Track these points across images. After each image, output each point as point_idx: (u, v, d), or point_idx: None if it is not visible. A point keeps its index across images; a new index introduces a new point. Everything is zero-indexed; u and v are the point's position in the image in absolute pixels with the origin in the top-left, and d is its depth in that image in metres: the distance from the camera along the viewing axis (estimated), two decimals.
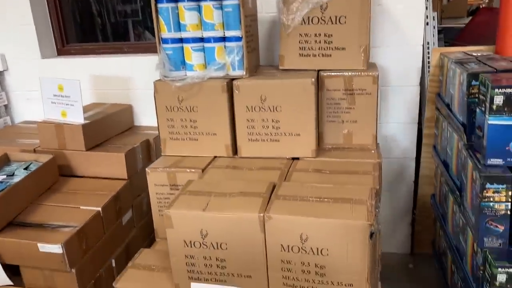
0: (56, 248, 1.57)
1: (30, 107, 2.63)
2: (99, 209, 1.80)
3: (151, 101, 2.42)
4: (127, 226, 2.04)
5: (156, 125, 2.43)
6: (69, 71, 2.48)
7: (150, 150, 2.26)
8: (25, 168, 1.94)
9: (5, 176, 1.85)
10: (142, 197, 2.19)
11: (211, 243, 1.38)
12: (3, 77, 2.61)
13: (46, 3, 2.53)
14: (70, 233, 1.63)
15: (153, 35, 2.85)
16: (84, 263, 1.70)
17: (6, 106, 2.63)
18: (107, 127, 2.23)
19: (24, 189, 1.81)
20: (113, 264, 1.90)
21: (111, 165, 2.05)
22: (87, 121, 2.05)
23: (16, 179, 1.84)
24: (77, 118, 2.05)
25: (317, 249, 1.27)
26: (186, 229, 1.39)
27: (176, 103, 1.83)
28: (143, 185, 2.22)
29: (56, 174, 2.04)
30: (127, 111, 2.46)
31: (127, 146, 2.12)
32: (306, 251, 1.28)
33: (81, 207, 1.82)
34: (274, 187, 1.48)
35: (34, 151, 2.10)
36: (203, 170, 1.74)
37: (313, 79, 1.69)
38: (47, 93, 2.09)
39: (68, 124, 2.04)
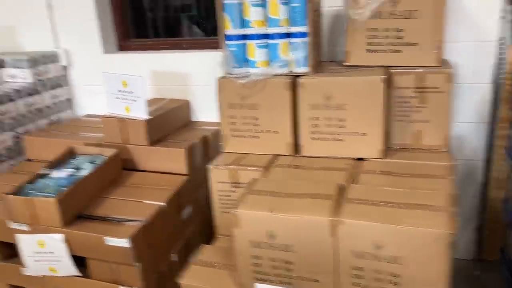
0: (123, 242, 1.61)
1: (92, 101, 2.71)
2: (163, 203, 1.82)
3: (208, 97, 2.45)
4: (187, 221, 2.06)
5: (213, 120, 2.48)
6: (129, 67, 2.53)
7: (208, 146, 2.27)
8: (91, 162, 1.99)
9: (72, 170, 1.91)
10: (200, 193, 2.20)
11: (278, 245, 1.35)
12: (68, 72, 2.70)
13: None
14: (137, 227, 1.66)
15: (201, 29, 2.88)
16: (148, 257, 1.73)
17: (69, 100, 2.72)
18: (167, 122, 2.26)
19: (91, 183, 1.86)
20: (175, 259, 1.92)
21: (171, 160, 2.07)
22: (150, 117, 2.08)
23: (83, 173, 1.90)
24: (140, 113, 2.08)
25: (393, 257, 1.22)
26: (253, 230, 1.37)
27: (238, 100, 1.81)
28: (201, 181, 2.24)
29: (119, 168, 2.09)
30: (185, 106, 2.48)
31: (187, 141, 2.13)
32: (380, 259, 1.23)
33: (144, 201, 1.85)
34: (342, 189, 1.44)
35: (98, 145, 2.16)
36: (265, 169, 1.71)
37: (383, 77, 1.61)
38: (111, 89, 2.14)
39: (131, 119, 2.08)
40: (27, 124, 2.41)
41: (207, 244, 1.79)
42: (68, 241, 1.69)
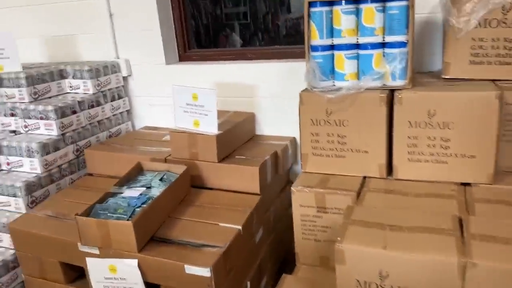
0: (205, 272, 1.47)
1: (151, 112, 2.62)
2: (240, 227, 1.68)
3: (274, 109, 2.32)
4: (259, 245, 1.91)
5: (279, 134, 2.34)
6: (190, 78, 2.42)
7: (278, 163, 2.12)
8: (161, 180, 1.88)
9: (143, 188, 1.80)
10: (270, 212, 2.07)
11: (390, 286, 1.19)
12: (127, 82, 2.62)
13: (170, 8, 2.49)
14: (217, 255, 1.52)
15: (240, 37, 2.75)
16: (226, 286, 1.59)
17: (128, 112, 2.64)
18: (235, 137, 2.13)
19: (164, 203, 1.75)
20: (248, 286, 1.78)
21: (243, 178, 1.93)
22: (220, 131, 1.96)
23: (154, 192, 1.79)
24: (211, 128, 1.96)
25: None
26: (361, 268, 1.21)
27: (323, 116, 1.66)
28: (272, 200, 2.10)
29: (188, 186, 1.97)
30: (250, 119, 2.34)
31: (257, 158, 1.99)
32: None
33: (220, 224, 1.72)
34: (460, 222, 1.26)
35: (165, 160, 2.05)
36: (357, 194, 1.55)
37: (497, 92, 1.43)
38: (179, 102, 2.02)
39: (201, 134, 1.96)
40: (88, 137, 2.34)
41: (280, 270, 1.64)
42: (142, 267, 1.58)
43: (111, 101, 2.49)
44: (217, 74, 2.40)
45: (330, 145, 1.68)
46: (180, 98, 2.02)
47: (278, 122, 2.33)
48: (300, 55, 1.97)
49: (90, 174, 2.26)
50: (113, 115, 2.51)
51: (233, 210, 1.80)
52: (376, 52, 1.58)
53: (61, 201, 1.99)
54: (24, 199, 1.98)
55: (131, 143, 2.31)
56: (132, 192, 1.77)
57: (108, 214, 1.64)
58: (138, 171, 1.99)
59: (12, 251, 1.95)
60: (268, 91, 2.30)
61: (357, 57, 1.61)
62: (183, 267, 1.50)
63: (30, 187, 2.00)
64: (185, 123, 2.03)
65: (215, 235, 1.65)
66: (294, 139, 2.29)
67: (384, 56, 1.58)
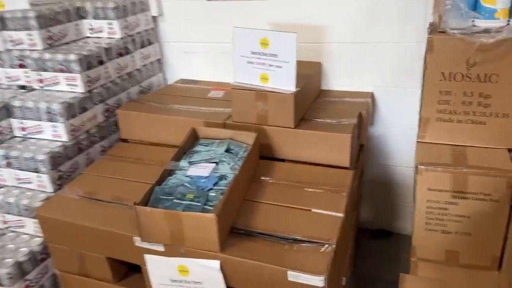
0: (317, 281, 1.11)
1: (187, 62, 2.15)
2: (342, 215, 1.31)
3: (345, 57, 1.88)
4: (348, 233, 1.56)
5: (351, 89, 1.92)
6: (238, 18, 1.95)
7: (361, 127, 1.72)
8: (227, 151, 1.47)
9: (212, 165, 1.39)
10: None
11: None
12: (156, 24, 2.12)
13: None
14: (328, 256, 1.15)
15: None
16: None
17: (159, 61, 2.17)
18: (308, 94, 1.71)
19: (241, 184, 1.35)
20: (343, 283, 1.44)
21: (328, 148, 1.53)
22: (297, 89, 1.53)
23: (223, 168, 1.39)
24: (286, 84, 1.53)
25: None
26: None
27: (462, 69, 1.24)
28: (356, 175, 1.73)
29: (257, 158, 1.57)
30: (317, 71, 1.91)
31: (342, 121, 1.59)
32: None
33: (313, 210, 1.34)
34: None
35: (225, 125, 1.63)
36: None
37: None
38: (242, 49, 1.57)
39: (273, 92, 1.53)
40: (119, 94, 1.88)
41: None
42: (224, 270, 1.20)
43: (141, 48, 2.01)
44: (272, 13, 1.92)
45: (465, 107, 1.27)
46: (243, 45, 1.56)
47: (350, 73, 1.90)
48: None
49: (124, 140, 1.84)
50: (143, 65, 2.04)
51: (324, 191, 1.42)
52: None
53: (96, 176, 1.58)
54: (50, 175, 1.57)
55: (170, 101, 1.87)
56: (198, 170, 1.36)
57: (175, 201, 1.24)
58: (193, 139, 1.57)
59: (38, 239, 1.57)
60: (340, 34, 1.85)
61: None
62: (286, 273, 1.13)
63: (55, 160, 1.58)
64: (248, 77, 1.59)
65: (311, 225, 1.27)
66: (372, 94, 1.87)
67: None
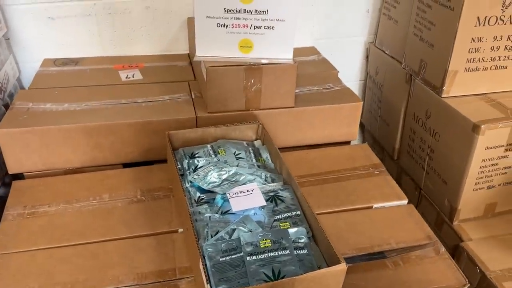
0: None
1: (53, 34, 1.41)
2: (406, 202, 1.09)
3: None
4: None
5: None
6: None
7: None
8: (237, 158, 1.02)
9: (246, 186, 0.93)
10: None
11: None
12: None
13: None
14: (447, 261, 0.93)
15: None
16: None
17: (4, 36, 1.36)
18: None
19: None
20: None
21: (335, 123, 1.25)
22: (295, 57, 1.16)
23: (259, 183, 0.95)
24: (280, 51, 1.13)
25: None
26: None
27: (496, 11, 1.12)
28: None
29: None
30: None
31: (334, 88, 1.32)
32: None
33: (375, 205, 1.07)
34: None
35: (196, 121, 1.13)
36: None
37: None
38: (208, 7, 1.07)
39: (269, 64, 1.12)
40: None
41: None
42: None
43: None
44: None
45: (492, 53, 1.18)
46: (208, 1, 1.07)
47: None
48: None
49: (17, 177, 1.10)
50: None
51: (359, 177, 1.16)
52: None
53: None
54: None
55: (71, 98, 1.20)
56: (240, 201, 0.88)
57: (248, 259, 0.77)
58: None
59: None
60: None
61: None
62: None
63: None
64: (218, 47, 1.13)
65: (390, 227, 1.01)
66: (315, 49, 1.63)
67: None
